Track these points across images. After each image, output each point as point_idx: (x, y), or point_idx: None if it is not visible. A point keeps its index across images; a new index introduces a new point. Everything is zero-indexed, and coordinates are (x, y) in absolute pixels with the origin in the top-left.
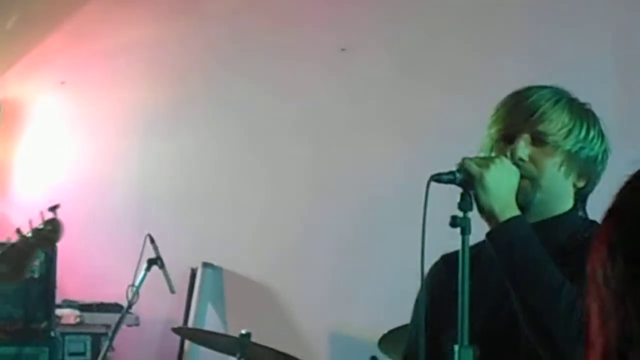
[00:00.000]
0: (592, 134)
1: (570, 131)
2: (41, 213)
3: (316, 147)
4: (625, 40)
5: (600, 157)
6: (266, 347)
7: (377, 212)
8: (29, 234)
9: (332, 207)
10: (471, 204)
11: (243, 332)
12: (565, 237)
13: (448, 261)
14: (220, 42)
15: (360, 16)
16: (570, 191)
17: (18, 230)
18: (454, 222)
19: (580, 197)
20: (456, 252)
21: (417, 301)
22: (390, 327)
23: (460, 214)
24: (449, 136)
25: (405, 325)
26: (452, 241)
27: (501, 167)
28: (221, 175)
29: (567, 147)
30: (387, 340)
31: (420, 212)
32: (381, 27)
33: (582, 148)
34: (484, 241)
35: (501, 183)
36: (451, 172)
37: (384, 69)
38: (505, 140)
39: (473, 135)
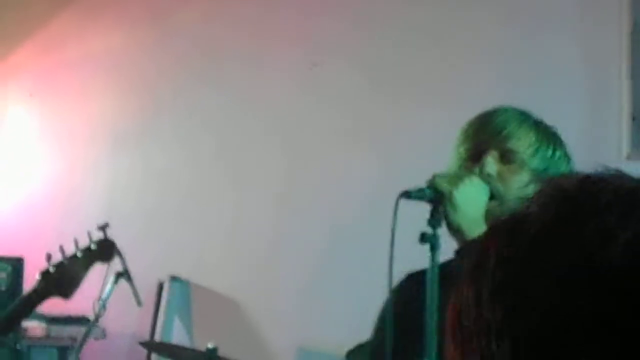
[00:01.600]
0: (558, 154)
1: (537, 150)
2: (89, 233)
3: (286, 161)
4: (594, 52)
5: None
6: None
7: (347, 228)
8: (79, 254)
9: (301, 222)
10: (440, 220)
11: (210, 346)
12: None
13: (414, 279)
14: (190, 54)
15: (331, 31)
16: None
17: (48, 257)
18: (423, 238)
19: None
20: (423, 271)
21: (380, 318)
22: (359, 342)
23: (429, 230)
24: (420, 151)
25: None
26: (421, 257)
27: (471, 185)
28: (189, 188)
29: (534, 166)
30: (354, 355)
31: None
32: (352, 42)
33: (548, 167)
34: (451, 260)
35: (470, 201)
36: (420, 189)
37: (355, 84)
38: (474, 158)
39: (444, 150)
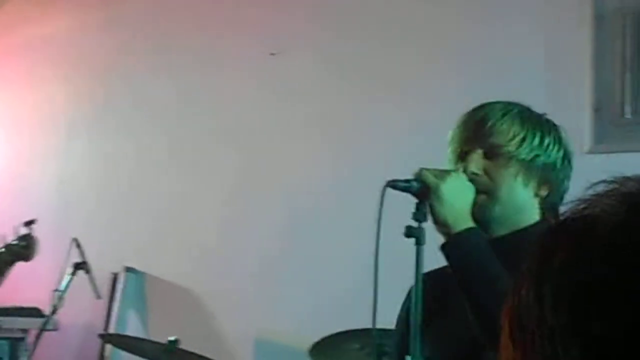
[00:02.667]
0: (547, 141)
1: (523, 140)
2: (14, 228)
3: (240, 150)
4: (555, 43)
5: (559, 163)
6: (194, 354)
7: (304, 218)
8: (2, 249)
9: (257, 212)
10: (426, 214)
11: (171, 338)
12: None
13: (430, 276)
14: (140, 41)
15: (289, 20)
16: (534, 202)
17: None
18: (409, 232)
19: (548, 206)
20: (439, 269)
21: (400, 317)
22: (318, 335)
23: (415, 224)
24: (377, 142)
25: (336, 334)
26: (404, 250)
27: (457, 180)
28: (143, 179)
29: (522, 157)
30: (318, 348)
31: (348, 218)
32: (310, 31)
33: (537, 156)
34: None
35: (457, 195)
36: (407, 180)
37: (314, 73)
38: (461, 158)
39: (401, 140)
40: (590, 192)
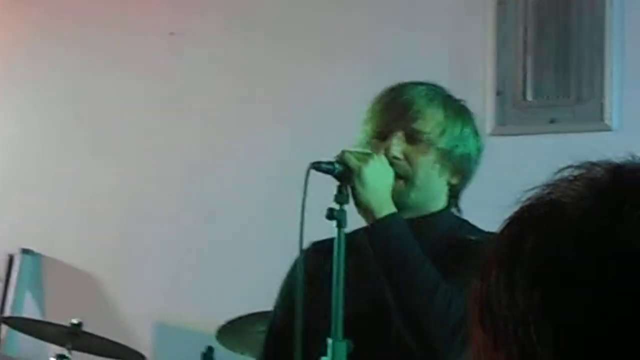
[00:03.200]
0: (466, 131)
1: (444, 129)
2: None
3: (147, 129)
4: (457, 25)
5: (474, 153)
6: (98, 337)
7: (209, 202)
8: None
9: (161, 195)
10: (348, 196)
11: (74, 321)
12: (439, 235)
13: (319, 248)
14: (44, 19)
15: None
16: (445, 189)
17: None
18: (330, 214)
19: (454, 193)
20: (327, 240)
21: (283, 289)
22: (223, 318)
23: (336, 206)
24: (282, 125)
25: (242, 317)
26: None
27: (380, 163)
28: (43, 157)
29: (442, 145)
30: (225, 331)
31: (247, 203)
32: (211, 11)
33: (456, 146)
34: (356, 230)
35: (379, 179)
36: (330, 163)
37: (213, 54)
38: (380, 137)
39: (301, 124)
40: (557, 176)
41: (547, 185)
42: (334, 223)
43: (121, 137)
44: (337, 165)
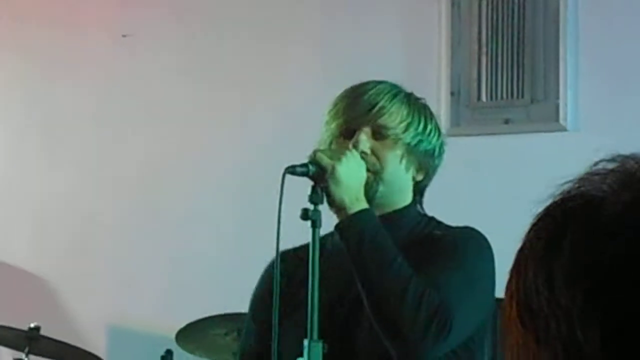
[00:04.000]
0: (429, 127)
1: (409, 124)
2: None
3: (100, 131)
4: (412, 26)
5: (437, 150)
6: (56, 341)
7: (160, 205)
8: None
9: (114, 197)
10: (322, 196)
11: (32, 325)
12: (406, 231)
13: (288, 257)
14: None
15: (142, 2)
16: (410, 185)
17: None
18: (305, 215)
19: (418, 189)
20: (298, 248)
21: (256, 297)
22: (180, 322)
23: (311, 206)
24: (235, 126)
25: (201, 320)
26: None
27: (352, 160)
28: None
29: (407, 140)
30: (184, 334)
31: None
32: (163, 12)
33: (420, 141)
34: (328, 234)
35: (352, 176)
36: (304, 165)
37: (166, 55)
38: (346, 134)
39: (262, 126)
40: (589, 171)
41: (579, 180)
42: (308, 223)
43: (75, 142)
44: (311, 167)
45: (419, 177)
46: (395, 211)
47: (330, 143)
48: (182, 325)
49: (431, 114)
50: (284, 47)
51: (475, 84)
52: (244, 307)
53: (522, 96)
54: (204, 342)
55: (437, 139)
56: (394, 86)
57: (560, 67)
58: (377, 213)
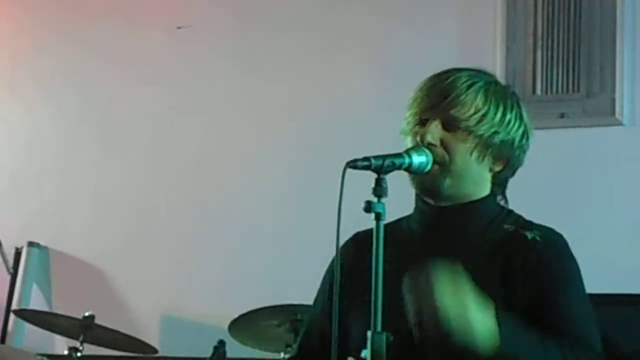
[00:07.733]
0: (508, 117)
1: (483, 116)
2: None
3: (155, 123)
4: (469, 21)
5: (517, 140)
6: (110, 329)
7: (215, 196)
8: None
9: (171, 188)
10: (386, 189)
11: (87, 314)
12: (484, 223)
13: (358, 240)
14: (50, 9)
15: None
16: (487, 176)
17: None
18: (368, 207)
19: (498, 181)
20: (368, 231)
21: (325, 282)
22: (233, 312)
23: (374, 199)
24: (290, 120)
25: (254, 311)
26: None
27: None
28: (53, 150)
29: (480, 132)
30: (237, 325)
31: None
32: (218, 4)
33: (496, 132)
34: (399, 219)
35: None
36: (366, 158)
37: (220, 47)
38: (421, 124)
39: (316, 121)
40: None
41: None
42: (372, 216)
43: (130, 132)
44: (373, 160)
45: (497, 168)
46: (470, 202)
47: (409, 131)
48: (235, 316)
49: (513, 102)
50: (336, 43)
51: (530, 78)
52: (296, 299)
53: (578, 90)
54: (256, 333)
55: (518, 128)
56: (474, 74)
57: (617, 60)
58: (448, 203)
